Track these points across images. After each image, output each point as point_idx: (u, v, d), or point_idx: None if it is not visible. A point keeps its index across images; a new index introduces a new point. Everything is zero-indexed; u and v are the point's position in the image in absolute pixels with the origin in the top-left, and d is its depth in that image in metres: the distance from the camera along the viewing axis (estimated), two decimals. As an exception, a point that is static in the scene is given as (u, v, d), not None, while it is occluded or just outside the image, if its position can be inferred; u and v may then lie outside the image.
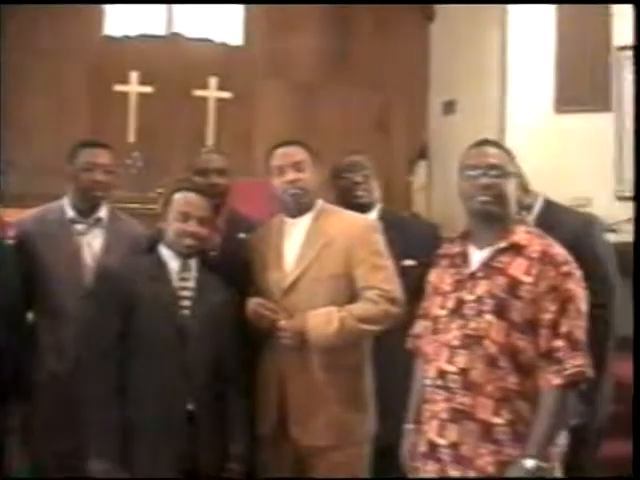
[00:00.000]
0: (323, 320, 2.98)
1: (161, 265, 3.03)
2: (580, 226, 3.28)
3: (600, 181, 6.94)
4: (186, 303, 2.99)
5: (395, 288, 3.05)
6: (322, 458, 3.06)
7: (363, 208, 3.58)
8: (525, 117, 7.27)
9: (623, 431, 4.70)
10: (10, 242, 3.43)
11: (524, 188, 3.40)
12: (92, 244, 3.42)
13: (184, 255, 3.03)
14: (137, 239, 3.40)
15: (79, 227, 3.43)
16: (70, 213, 3.45)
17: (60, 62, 8.12)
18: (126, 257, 3.26)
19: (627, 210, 6.64)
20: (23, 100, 7.93)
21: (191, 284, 3.02)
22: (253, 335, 3.11)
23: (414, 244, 3.47)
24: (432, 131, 8.80)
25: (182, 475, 2.90)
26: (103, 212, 3.50)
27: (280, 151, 3.20)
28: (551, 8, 7.27)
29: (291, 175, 3.12)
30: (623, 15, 6.95)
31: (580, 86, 7.12)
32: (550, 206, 3.44)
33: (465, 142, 2.73)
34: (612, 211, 6.62)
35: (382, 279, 3.04)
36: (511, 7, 7.48)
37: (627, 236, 6.08)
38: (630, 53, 6.98)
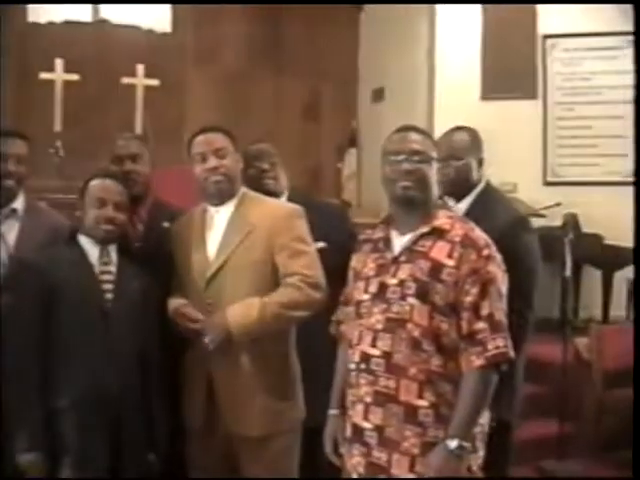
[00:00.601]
0: (242, 311, 2.94)
1: (81, 253, 3.00)
2: (508, 224, 3.26)
3: (526, 167, 7.06)
4: (108, 287, 2.97)
5: (317, 274, 3.03)
6: (254, 450, 3.05)
7: (271, 195, 3.53)
8: (453, 104, 7.30)
9: (545, 412, 4.81)
10: None
11: (479, 163, 3.42)
12: (6, 236, 3.27)
13: (103, 241, 3.01)
14: (56, 230, 3.29)
15: None
16: None
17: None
18: (44, 248, 3.18)
19: (552, 195, 6.79)
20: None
21: (112, 269, 3.01)
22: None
23: (324, 226, 3.42)
24: (362, 119, 8.82)
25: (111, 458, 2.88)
26: (19, 203, 3.36)
27: (201, 138, 3.15)
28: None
29: (213, 162, 3.08)
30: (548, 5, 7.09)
31: (506, 74, 7.21)
32: (488, 195, 3.42)
33: (393, 128, 2.74)
34: (538, 196, 6.75)
35: (303, 265, 3.01)
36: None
37: (552, 220, 6.25)
38: (555, 41, 7.12)
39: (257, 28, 8.74)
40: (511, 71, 7.23)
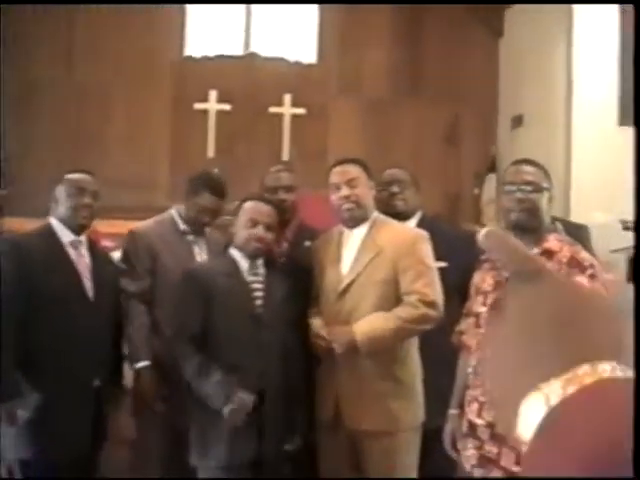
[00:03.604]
0: (366, 322, 3.30)
1: (233, 264, 3.41)
2: None
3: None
4: (258, 294, 3.37)
5: (434, 293, 3.34)
6: (373, 442, 3.36)
7: (400, 216, 3.88)
8: (591, 130, 7.32)
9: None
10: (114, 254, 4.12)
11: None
12: (202, 250, 3.91)
13: (252, 256, 3.41)
14: (219, 245, 3.83)
15: (190, 237, 3.91)
16: (182, 226, 3.95)
17: (143, 83, 8.54)
18: (205, 260, 3.75)
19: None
20: (108, 119, 8.40)
21: (260, 278, 3.41)
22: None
23: (450, 248, 3.73)
24: (501, 145, 8.88)
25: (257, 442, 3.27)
26: None
27: (337, 169, 3.54)
28: (615, 23, 7.28)
29: (345, 191, 3.45)
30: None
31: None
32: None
33: (532, 155, 2.98)
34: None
35: (423, 285, 3.33)
36: (576, 22, 7.55)
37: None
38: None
39: (398, 57, 8.96)
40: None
